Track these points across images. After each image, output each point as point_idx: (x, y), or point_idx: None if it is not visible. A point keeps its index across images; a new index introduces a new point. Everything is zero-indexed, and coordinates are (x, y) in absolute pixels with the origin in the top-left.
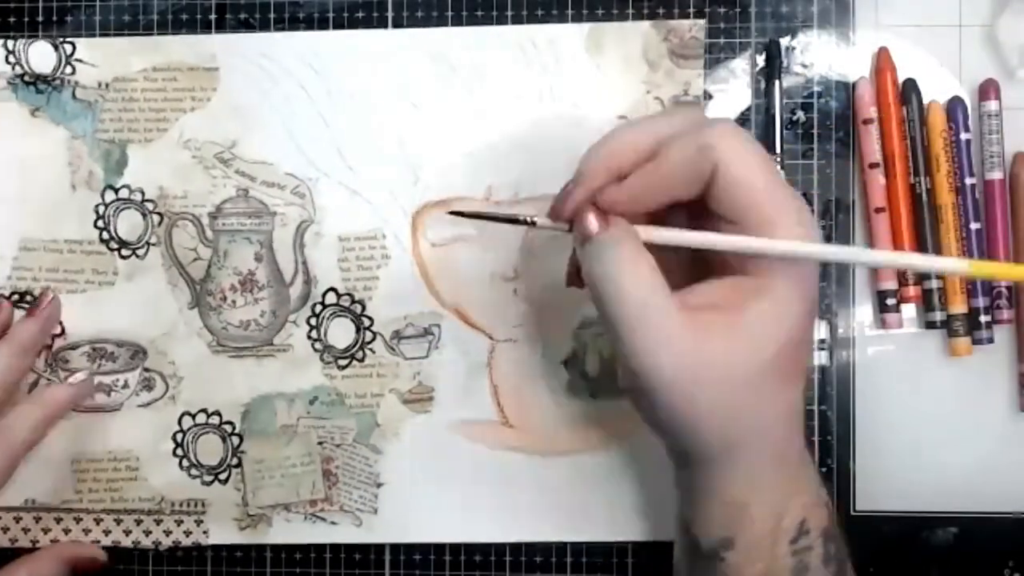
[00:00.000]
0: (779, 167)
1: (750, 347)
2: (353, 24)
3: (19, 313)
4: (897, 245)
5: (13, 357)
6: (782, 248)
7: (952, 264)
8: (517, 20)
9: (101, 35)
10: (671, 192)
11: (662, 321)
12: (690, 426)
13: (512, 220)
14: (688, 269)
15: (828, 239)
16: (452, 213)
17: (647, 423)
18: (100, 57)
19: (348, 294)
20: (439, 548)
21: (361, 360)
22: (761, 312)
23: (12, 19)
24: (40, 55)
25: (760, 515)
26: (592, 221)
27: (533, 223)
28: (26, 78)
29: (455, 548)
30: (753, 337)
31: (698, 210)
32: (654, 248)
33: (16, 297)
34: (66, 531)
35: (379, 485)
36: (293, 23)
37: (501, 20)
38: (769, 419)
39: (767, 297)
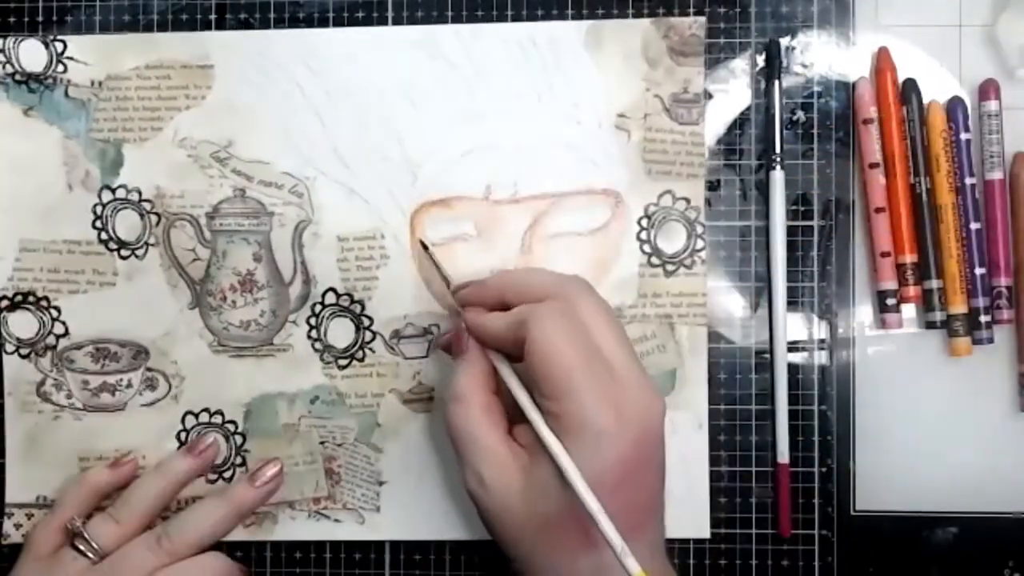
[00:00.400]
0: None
1: (540, 495)
2: (352, 23)
3: (26, 315)
4: (897, 245)
5: (162, 485)
6: (548, 443)
7: None
8: (516, 18)
9: (100, 35)
10: (503, 346)
11: (480, 446)
12: (503, 550)
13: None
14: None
15: (828, 239)
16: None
17: None
18: (92, 55)
19: (348, 294)
20: (439, 546)
21: (361, 360)
22: (550, 465)
23: (12, 19)
24: (31, 53)
25: None
26: (463, 341)
27: (448, 283)
28: (17, 77)
29: (455, 546)
30: (541, 487)
31: None
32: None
33: (19, 298)
34: None
35: (381, 483)
36: (293, 23)
37: (501, 18)
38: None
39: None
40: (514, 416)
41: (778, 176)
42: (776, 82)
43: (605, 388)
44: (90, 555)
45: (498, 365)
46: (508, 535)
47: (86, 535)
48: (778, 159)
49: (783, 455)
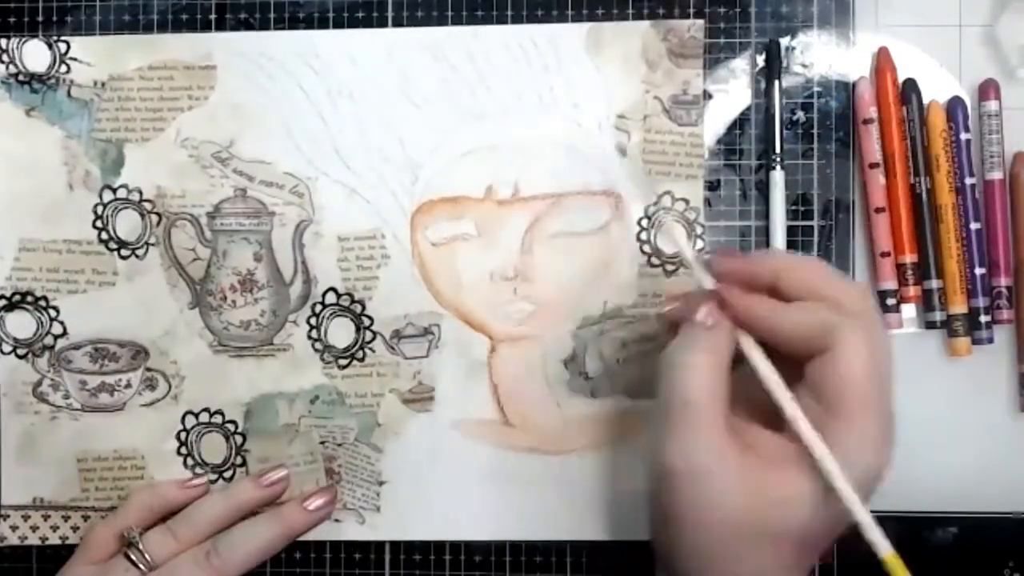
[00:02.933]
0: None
1: (768, 506)
2: (353, 24)
3: (23, 315)
4: (897, 245)
5: (225, 509)
6: (815, 451)
7: None
8: (517, 20)
9: (101, 35)
10: (778, 339)
11: (710, 433)
12: (686, 546)
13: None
14: (767, 411)
15: (828, 239)
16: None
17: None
18: (95, 55)
19: (348, 294)
20: (439, 546)
21: (361, 360)
22: (788, 485)
23: (12, 19)
24: (34, 54)
25: None
26: (705, 312)
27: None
28: (20, 77)
29: (455, 546)
30: (771, 500)
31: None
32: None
33: (18, 298)
34: (74, 528)
35: (381, 483)
36: (293, 23)
37: (501, 20)
38: None
39: (801, 476)
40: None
41: (778, 176)
42: (776, 82)
43: (887, 429)
44: (141, 566)
45: (752, 351)
46: (702, 535)
47: (140, 547)
48: (778, 159)
49: None
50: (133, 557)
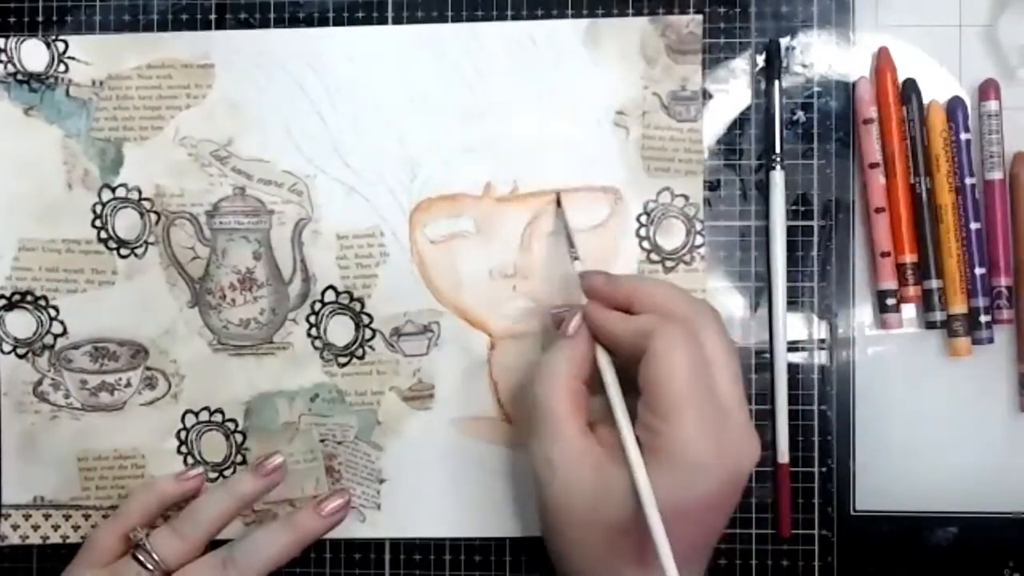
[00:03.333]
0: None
1: (605, 497)
2: (353, 23)
3: (23, 314)
4: (897, 245)
5: (227, 504)
6: (629, 453)
7: None
8: (517, 17)
9: (101, 35)
10: (618, 347)
11: (558, 432)
12: (550, 540)
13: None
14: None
15: (828, 239)
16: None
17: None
18: (93, 55)
19: (347, 292)
20: (439, 545)
21: (361, 358)
22: (623, 474)
23: (12, 19)
24: (32, 53)
25: None
26: (571, 324)
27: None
28: (19, 77)
29: (455, 545)
30: (607, 491)
31: None
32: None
33: (17, 297)
34: (75, 527)
35: (381, 481)
36: (293, 23)
37: (501, 17)
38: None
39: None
40: (597, 415)
41: (778, 176)
42: (776, 82)
43: (713, 423)
44: (150, 567)
45: (600, 357)
46: (561, 526)
47: (148, 547)
48: (778, 159)
49: (783, 455)
50: (141, 558)
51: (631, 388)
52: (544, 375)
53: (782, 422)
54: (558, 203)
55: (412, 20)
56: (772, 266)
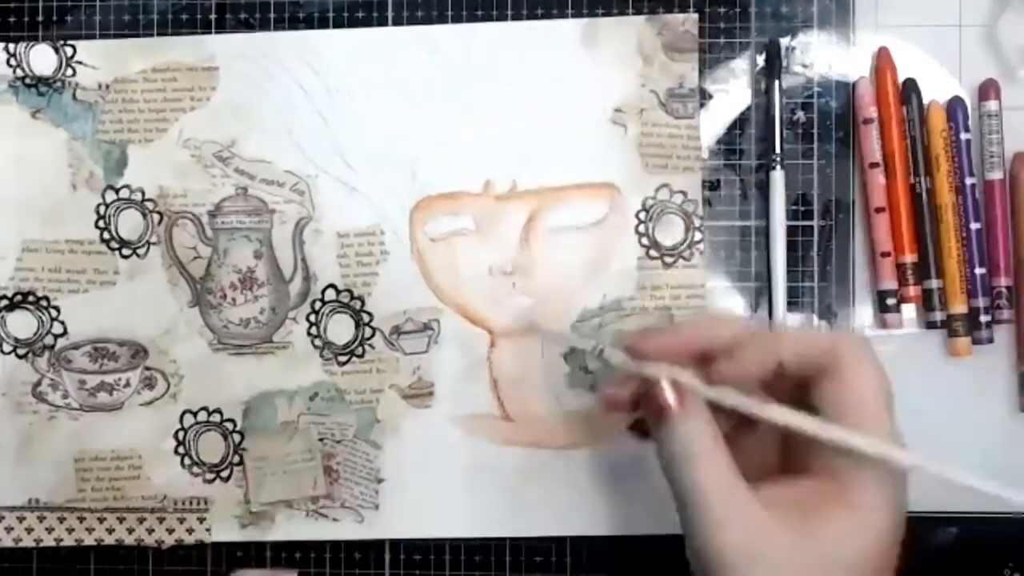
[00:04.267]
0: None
1: (823, 554)
2: (353, 24)
3: (25, 315)
4: (897, 245)
5: None
6: (868, 446)
7: None
8: (516, 18)
9: (101, 36)
10: (783, 368)
11: (739, 513)
12: None
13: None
14: (769, 464)
15: (828, 239)
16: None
17: None
18: (100, 59)
19: (347, 290)
20: (439, 545)
21: (361, 356)
22: (838, 520)
23: (12, 19)
24: (41, 57)
25: None
26: (670, 395)
27: (601, 351)
28: (27, 80)
29: (455, 546)
30: (826, 544)
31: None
32: (740, 437)
33: (19, 298)
34: (70, 530)
35: (380, 481)
36: (293, 23)
37: (501, 18)
38: None
39: (848, 508)
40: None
41: (778, 176)
42: (776, 82)
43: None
44: None
45: (749, 403)
46: None
47: None
48: (778, 159)
49: None
50: None
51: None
52: (681, 460)
53: None
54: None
55: (412, 20)
56: (772, 266)
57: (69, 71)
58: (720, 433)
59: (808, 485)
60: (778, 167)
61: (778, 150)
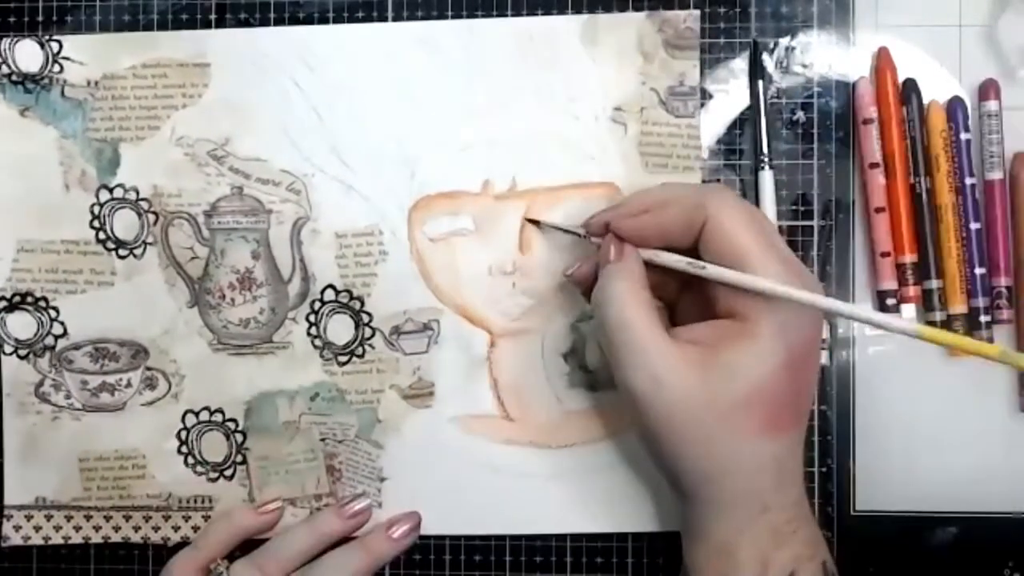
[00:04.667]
0: (774, 224)
1: (722, 382)
2: (354, 22)
3: (24, 316)
4: (897, 245)
5: (310, 542)
6: (759, 284)
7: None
8: (517, 15)
9: (101, 35)
10: (668, 236)
11: (649, 346)
12: (669, 450)
13: (573, 232)
14: (685, 311)
15: (828, 239)
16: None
17: (647, 453)
18: (88, 55)
19: (347, 290)
20: (439, 546)
21: (361, 356)
22: (737, 351)
23: (12, 19)
24: (27, 54)
25: (746, 561)
26: (611, 249)
27: (585, 236)
28: (13, 77)
29: (455, 545)
30: (726, 373)
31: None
32: (658, 286)
33: (18, 299)
34: (77, 528)
35: (383, 479)
36: (293, 22)
37: (501, 15)
38: (748, 464)
39: (746, 339)
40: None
41: (767, 176)
42: (760, 82)
43: (787, 270)
44: None
45: (660, 254)
46: (682, 429)
47: None
48: (766, 159)
49: None
50: None
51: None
52: (610, 298)
53: None
54: (536, 224)
55: (412, 18)
56: None
57: (56, 67)
58: (646, 283)
59: (720, 325)
60: (766, 168)
61: (766, 151)
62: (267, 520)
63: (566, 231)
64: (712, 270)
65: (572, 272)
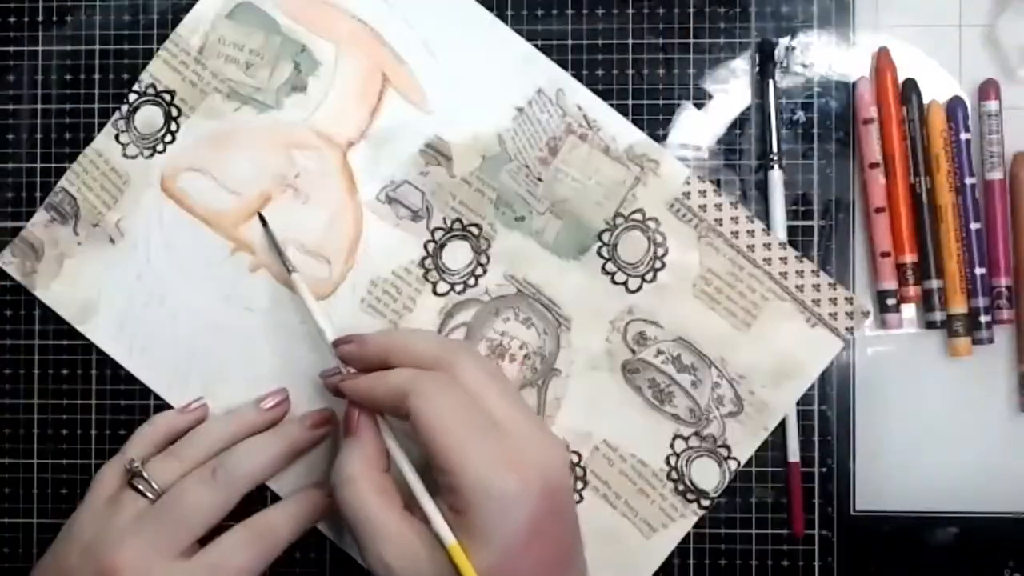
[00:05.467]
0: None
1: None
2: None
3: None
4: (897, 245)
5: (231, 431)
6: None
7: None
8: (517, 20)
9: (101, 36)
10: (379, 409)
11: (379, 531)
12: None
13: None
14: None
15: (828, 239)
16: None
17: None
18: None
19: None
20: None
21: None
22: (461, 537)
23: (12, 19)
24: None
25: None
26: (351, 422)
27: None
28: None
29: None
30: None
31: None
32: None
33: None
34: None
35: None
36: None
37: (502, 18)
38: None
39: (463, 531)
40: (407, 491)
41: (776, 176)
42: (771, 81)
43: (501, 451)
44: (149, 495)
45: (389, 444)
46: None
47: (145, 474)
48: (775, 159)
49: (793, 454)
50: (140, 487)
51: None
52: (346, 485)
53: (791, 420)
54: (263, 221)
55: None
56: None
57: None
58: (383, 459)
59: (448, 502)
60: (775, 167)
61: (775, 150)
62: (191, 419)
63: (281, 258)
64: (415, 485)
65: (326, 380)
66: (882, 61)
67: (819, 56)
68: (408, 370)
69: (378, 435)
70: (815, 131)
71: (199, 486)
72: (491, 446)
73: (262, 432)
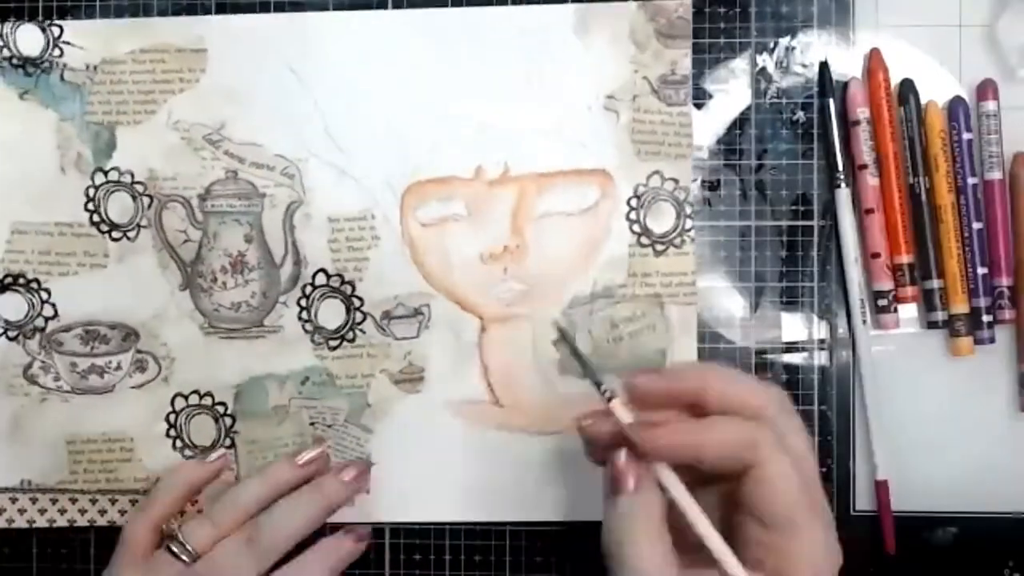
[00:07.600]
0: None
1: None
2: (354, 9)
3: (15, 297)
4: (893, 246)
5: (263, 492)
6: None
7: None
8: (515, 2)
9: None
10: (703, 462)
11: None
12: None
13: (596, 384)
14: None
15: (828, 239)
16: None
17: None
18: (88, 39)
19: (338, 275)
20: (439, 530)
21: (352, 341)
22: None
23: (12, 4)
24: (27, 38)
25: None
26: (629, 478)
27: (609, 399)
28: (14, 61)
29: (442, 529)
30: None
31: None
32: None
33: (9, 280)
34: (62, 511)
35: (371, 465)
36: (292, 9)
37: (500, 3)
38: None
39: None
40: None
41: (843, 194)
42: (829, 100)
43: (825, 532)
44: (184, 558)
45: (675, 491)
46: None
47: (181, 538)
48: (842, 178)
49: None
50: (175, 549)
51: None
52: (625, 542)
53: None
54: (561, 334)
55: (412, 5)
56: (847, 282)
57: (56, 51)
58: (665, 522)
59: (755, 555)
60: (843, 186)
61: (840, 168)
62: (212, 469)
63: (582, 363)
64: (718, 547)
65: (586, 426)
66: (873, 62)
67: (819, 56)
68: (746, 420)
69: (658, 491)
70: (815, 131)
71: (236, 557)
72: (823, 524)
73: (296, 489)
